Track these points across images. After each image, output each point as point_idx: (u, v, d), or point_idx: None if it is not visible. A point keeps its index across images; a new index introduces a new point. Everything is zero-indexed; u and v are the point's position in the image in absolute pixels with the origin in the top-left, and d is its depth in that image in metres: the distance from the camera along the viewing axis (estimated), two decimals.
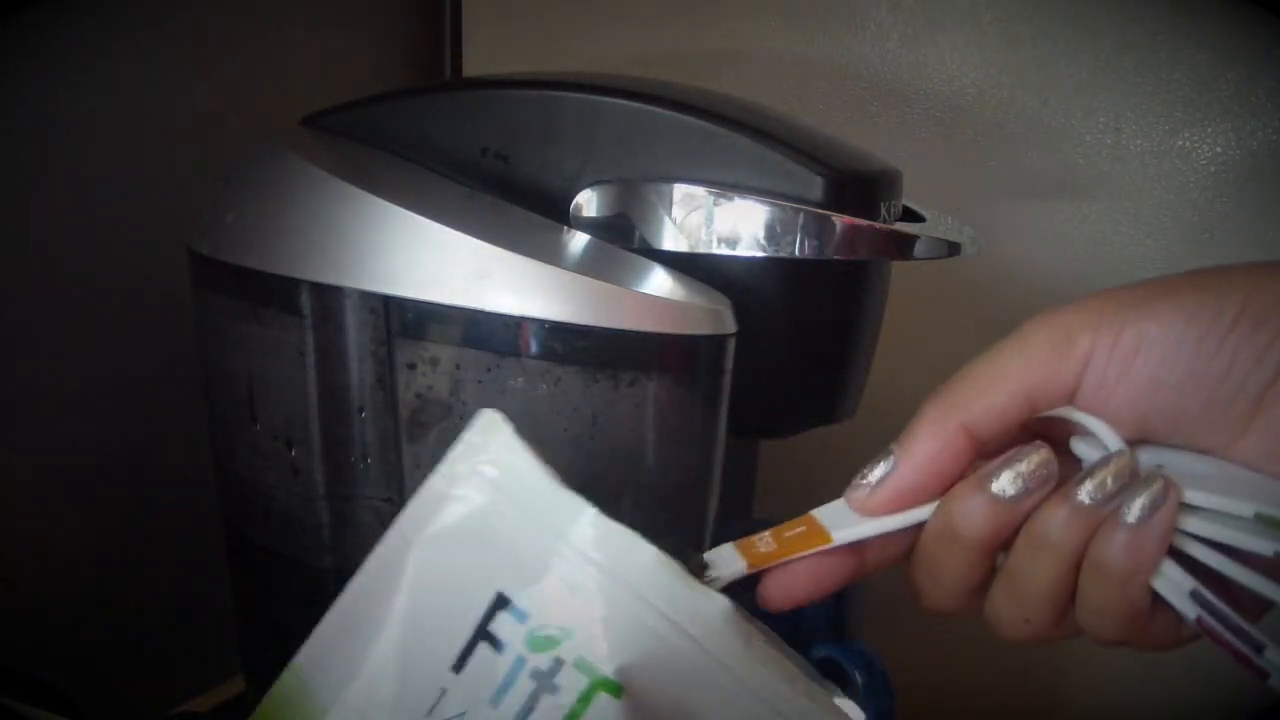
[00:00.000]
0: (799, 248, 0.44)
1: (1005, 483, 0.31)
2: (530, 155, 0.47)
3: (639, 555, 0.30)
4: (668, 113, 0.45)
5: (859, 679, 0.52)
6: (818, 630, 0.54)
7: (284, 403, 0.46)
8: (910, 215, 0.50)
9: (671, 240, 0.45)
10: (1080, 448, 0.32)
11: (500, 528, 0.32)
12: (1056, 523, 0.30)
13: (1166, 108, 0.65)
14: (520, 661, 0.30)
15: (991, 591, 0.33)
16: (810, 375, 0.50)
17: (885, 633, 0.60)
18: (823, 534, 0.33)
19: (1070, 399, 0.32)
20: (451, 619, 0.31)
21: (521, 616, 0.31)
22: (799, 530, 0.34)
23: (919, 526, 0.33)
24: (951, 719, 0.76)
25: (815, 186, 0.44)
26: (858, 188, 0.45)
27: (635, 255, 0.45)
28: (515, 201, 0.46)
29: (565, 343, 0.42)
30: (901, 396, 0.74)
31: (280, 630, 0.52)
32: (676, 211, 0.45)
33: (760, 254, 0.44)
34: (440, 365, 0.43)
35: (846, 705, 0.33)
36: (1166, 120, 0.65)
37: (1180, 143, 0.65)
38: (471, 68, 0.81)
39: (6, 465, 0.58)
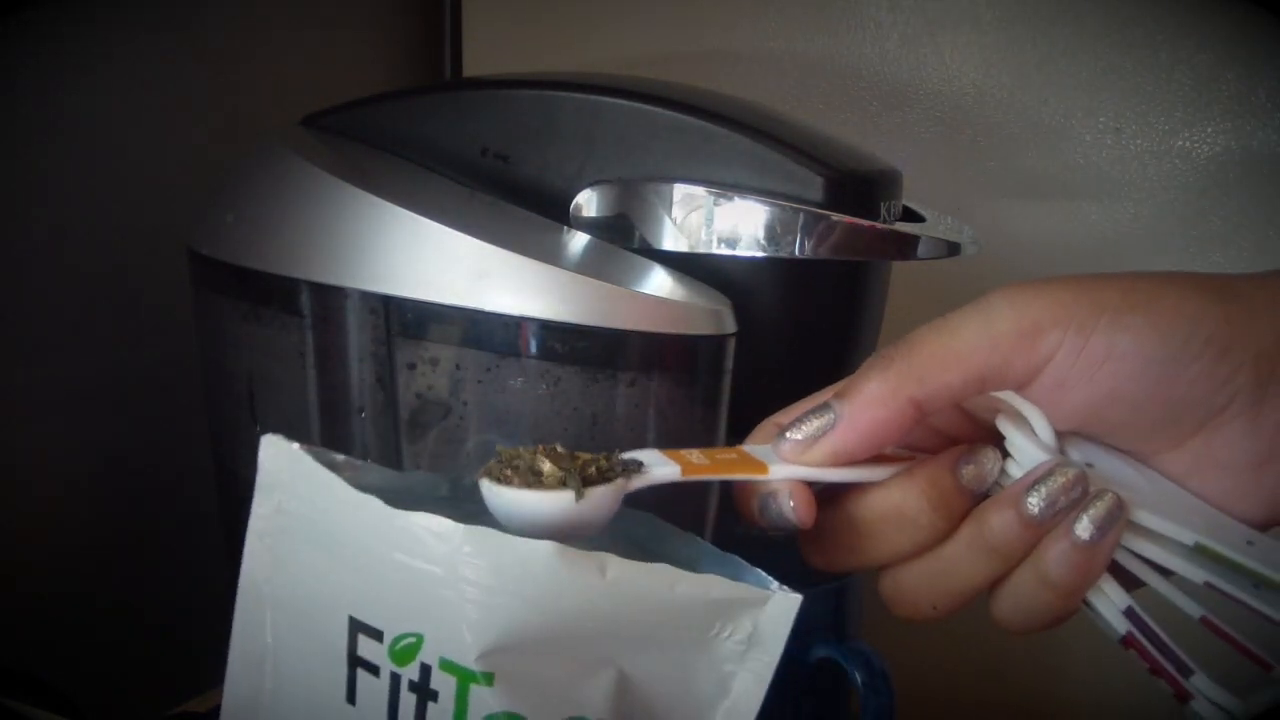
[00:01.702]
0: (799, 248, 0.44)
1: (1035, 504, 0.30)
2: (530, 155, 0.47)
3: (451, 538, 0.28)
4: (668, 113, 0.45)
5: (859, 679, 0.52)
6: (818, 630, 0.54)
7: (284, 403, 0.46)
8: (910, 215, 0.50)
9: (671, 240, 0.45)
10: (1008, 430, 0.32)
11: (327, 554, 0.31)
12: (1005, 531, 0.30)
13: (1166, 108, 0.65)
14: (395, 678, 0.29)
15: (901, 575, 0.32)
16: (810, 375, 0.50)
17: (885, 633, 0.60)
18: (759, 465, 0.32)
19: (1022, 387, 0.31)
20: (325, 657, 0.31)
21: (377, 634, 0.30)
22: (730, 456, 0.33)
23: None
24: (951, 719, 0.76)
25: (815, 186, 0.44)
26: (858, 188, 0.45)
27: (635, 255, 0.45)
28: (515, 201, 0.46)
29: (565, 343, 0.42)
30: None
31: None
32: (676, 211, 0.45)
33: (760, 254, 0.44)
34: (440, 365, 0.43)
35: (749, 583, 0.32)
36: (1166, 120, 0.65)
37: (1180, 143, 0.65)
38: (471, 68, 0.81)
39: (6, 465, 0.58)
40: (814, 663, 0.54)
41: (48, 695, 0.51)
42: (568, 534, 0.29)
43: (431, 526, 0.28)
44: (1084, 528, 0.29)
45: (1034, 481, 0.30)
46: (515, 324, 0.42)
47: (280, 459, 0.31)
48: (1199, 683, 0.30)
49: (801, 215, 0.44)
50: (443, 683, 0.28)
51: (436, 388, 0.43)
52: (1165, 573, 0.31)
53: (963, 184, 0.70)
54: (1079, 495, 0.30)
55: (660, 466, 0.31)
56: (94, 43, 0.59)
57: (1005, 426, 0.32)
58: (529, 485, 0.30)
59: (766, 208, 0.44)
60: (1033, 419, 0.31)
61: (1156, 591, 0.31)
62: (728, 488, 0.41)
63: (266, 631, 0.32)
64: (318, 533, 0.31)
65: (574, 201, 0.46)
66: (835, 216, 0.43)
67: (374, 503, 0.29)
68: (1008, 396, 0.31)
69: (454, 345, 0.43)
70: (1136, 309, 0.30)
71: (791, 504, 0.31)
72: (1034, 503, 0.30)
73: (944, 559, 0.32)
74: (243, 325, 0.47)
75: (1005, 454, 0.32)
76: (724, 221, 0.44)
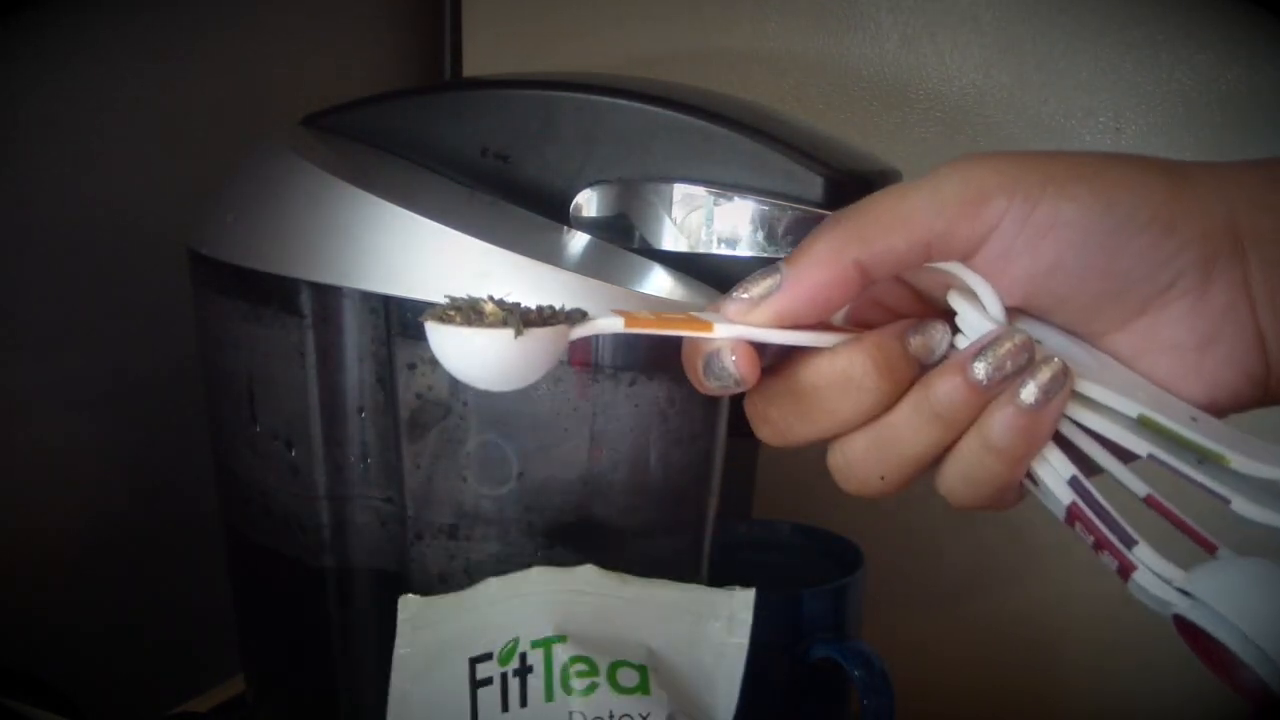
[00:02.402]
0: None
1: (982, 370, 0.30)
2: (530, 155, 0.47)
3: (529, 583, 0.42)
4: (668, 113, 0.45)
5: (859, 679, 0.52)
6: (818, 630, 0.54)
7: (284, 403, 0.46)
8: None
9: (671, 240, 0.45)
10: (959, 304, 0.32)
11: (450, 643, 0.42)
12: (951, 396, 0.30)
13: (1166, 108, 0.65)
14: (503, 676, 0.40)
15: (848, 445, 0.32)
16: None
17: (885, 633, 0.60)
18: (704, 324, 0.32)
19: (968, 257, 0.31)
20: (454, 696, 0.41)
21: (488, 655, 0.41)
22: (678, 317, 0.33)
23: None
24: (950, 718, 0.76)
25: (815, 186, 0.44)
26: (858, 188, 0.45)
27: (635, 255, 0.45)
28: (515, 201, 0.46)
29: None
30: None
31: (280, 630, 0.53)
32: (676, 211, 0.45)
33: (760, 254, 0.44)
34: (440, 365, 0.43)
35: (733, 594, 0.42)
36: (1166, 120, 0.65)
37: (1180, 142, 0.65)
38: (471, 68, 0.81)
39: (6, 465, 0.58)
40: (814, 663, 0.54)
41: (48, 695, 0.51)
42: (508, 375, 0.30)
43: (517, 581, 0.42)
44: (1029, 392, 0.29)
45: (981, 348, 0.30)
46: None
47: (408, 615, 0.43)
48: (1142, 553, 0.30)
49: (801, 215, 0.44)
50: (535, 658, 0.39)
51: (436, 388, 0.43)
52: (1114, 451, 0.31)
53: None
54: (1025, 362, 0.30)
55: (604, 318, 0.31)
56: (94, 42, 0.59)
57: (955, 300, 0.32)
58: (470, 324, 0.30)
59: (766, 208, 0.44)
60: (981, 292, 0.31)
61: (1104, 472, 0.31)
62: (728, 488, 0.41)
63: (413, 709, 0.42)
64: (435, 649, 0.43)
65: (574, 201, 0.46)
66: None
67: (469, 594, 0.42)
68: (956, 269, 0.31)
69: None
70: (1083, 180, 0.30)
71: (734, 358, 0.31)
72: (980, 368, 0.30)
73: (890, 426, 0.32)
74: (243, 325, 0.47)
75: (955, 330, 0.32)
76: (724, 221, 0.44)
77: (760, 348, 0.32)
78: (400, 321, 0.43)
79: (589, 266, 0.43)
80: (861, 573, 0.57)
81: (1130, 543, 0.30)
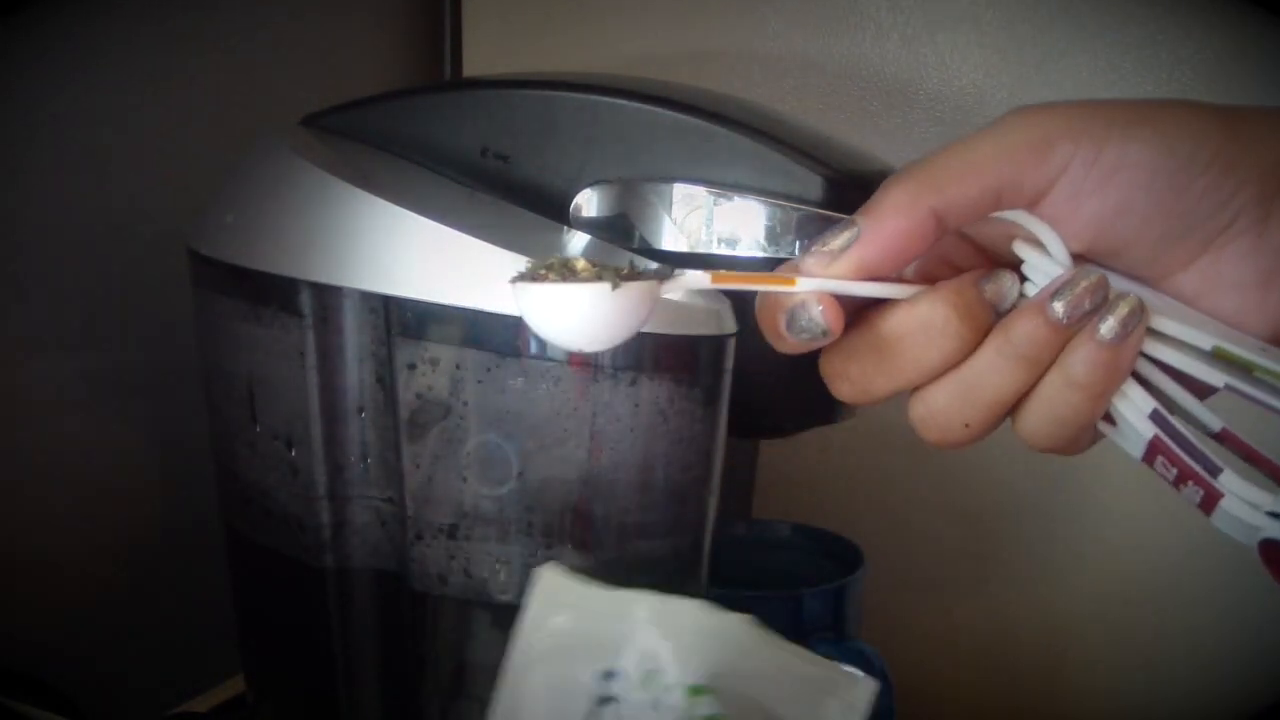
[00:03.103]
0: (799, 248, 0.44)
1: (1060, 308, 0.31)
2: (530, 155, 0.47)
3: (688, 617, 0.39)
4: (668, 113, 0.45)
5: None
6: (818, 630, 0.54)
7: (284, 403, 0.46)
8: None
9: (671, 240, 0.45)
10: (1026, 252, 0.32)
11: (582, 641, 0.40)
12: (1032, 335, 0.31)
13: None
14: (634, 700, 0.39)
15: (932, 394, 0.33)
16: (810, 375, 0.50)
17: (885, 633, 0.60)
18: (786, 279, 0.32)
19: (1036, 203, 0.32)
20: (575, 700, 0.40)
21: (618, 673, 0.39)
22: (761, 274, 0.33)
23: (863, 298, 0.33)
24: (950, 718, 0.76)
25: (815, 186, 0.44)
26: (858, 188, 0.45)
27: (635, 255, 0.45)
28: (515, 201, 0.46)
29: None
30: (902, 397, 0.74)
31: (280, 630, 0.53)
32: (676, 211, 0.45)
33: (760, 254, 0.44)
34: (440, 365, 0.43)
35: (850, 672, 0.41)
36: None
37: None
38: (471, 68, 0.81)
39: (6, 465, 0.58)
40: None
41: (48, 695, 0.51)
42: (602, 331, 0.30)
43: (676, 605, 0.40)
44: (1108, 327, 0.30)
45: (1058, 288, 0.31)
46: (515, 324, 0.42)
47: (552, 585, 0.41)
48: (1229, 480, 0.30)
49: (801, 215, 0.44)
50: (677, 698, 0.38)
51: (436, 388, 0.43)
52: (1189, 385, 0.31)
53: None
54: (1101, 299, 0.31)
55: (692, 274, 0.32)
56: (94, 42, 0.59)
57: (1022, 249, 0.32)
58: (566, 281, 0.30)
59: (766, 208, 0.44)
60: (1047, 239, 0.32)
61: (1178, 406, 0.31)
62: (728, 488, 0.41)
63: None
64: (579, 628, 0.41)
65: (574, 201, 0.46)
66: (835, 216, 0.43)
67: (630, 595, 0.40)
68: (1022, 218, 0.32)
69: (454, 345, 0.43)
70: (1146, 123, 0.31)
71: (820, 308, 0.32)
72: (1059, 306, 0.31)
73: (973, 371, 0.32)
74: (243, 325, 0.47)
75: (1023, 279, 0.33)
76: (724, 221, 0.44)
77: (840, 302, 0.32)
78: (400, 321, 0.43)
79: None
80: (861, 573, 0.57)
81: (1216, 470, 0.30)
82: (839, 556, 0.59)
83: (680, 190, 0.44)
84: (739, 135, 0.44)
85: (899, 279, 0.33)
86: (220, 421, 0.51)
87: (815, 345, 0.33)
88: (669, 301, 0.42)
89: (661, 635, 0.39)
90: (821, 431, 0.53)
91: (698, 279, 0.32)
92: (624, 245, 0.45)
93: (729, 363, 0.44)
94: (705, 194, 0.44)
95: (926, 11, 0.69)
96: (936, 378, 0.33)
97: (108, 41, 0.60)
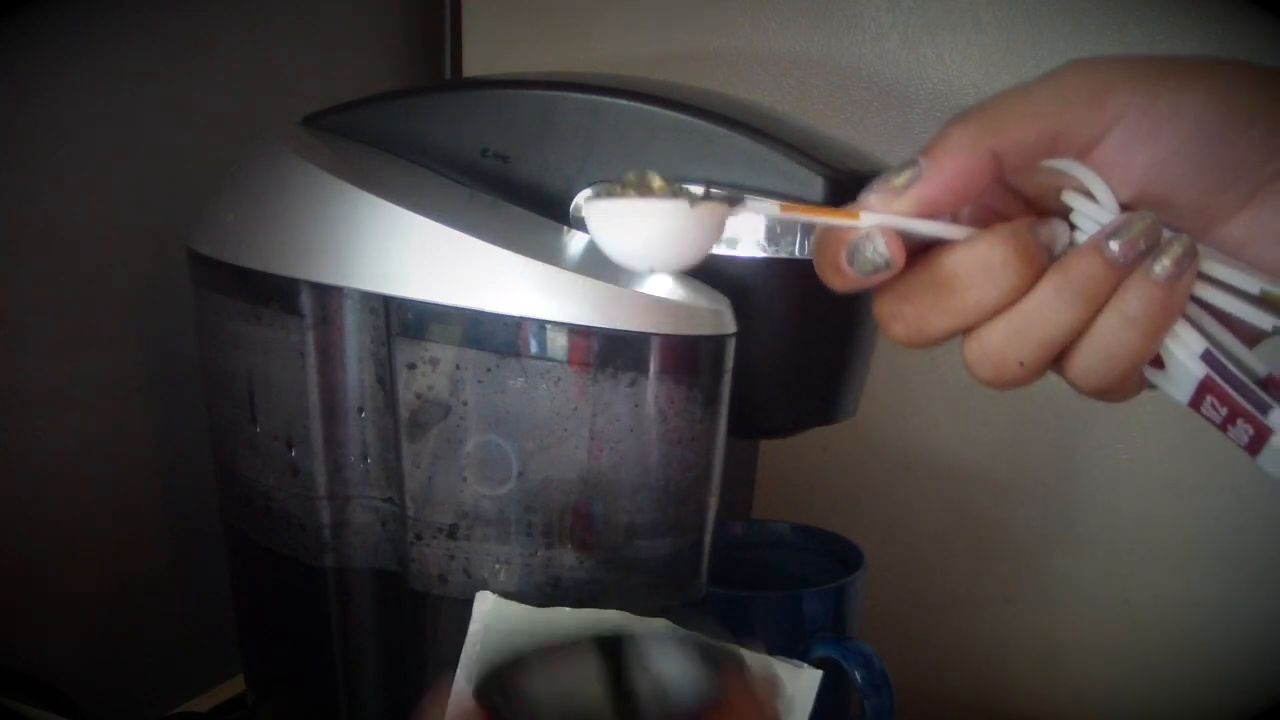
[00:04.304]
0: (799, 248, 0.44)
1: (1117, 247, 0.32)
2: (530, 155, 0.47)
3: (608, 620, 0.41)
4: (668, 113, 0.45)
5: (859, 679, 0.52)
6: (818, 630, 0.54)
7: (284, 403, 0.46)
8: None
9: None
10: (1076, 201, 0.34)
11: None
12: (1090, 273, 0.32)
13: None
14: None
15: (986, 334, 0.34)
16: (810, 375, 0.50)
17: (885, 633, 0.60)
18: (851, 214, 0.33)
19: (1090, 149, 0.33)
20: None
21: None
22: (826, 209, 0.34)
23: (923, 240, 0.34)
24: (949, 718, 0.76)
25: (815, 186, 0.44)
26: (858, 188, 0.45)
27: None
28: (515, 201, 0.46)
29: (565, 343, 0.42)
30: (902, 397, 0.74)
31: (280, 630, 0.53)
32: None
33: (760, 254, 0.44)
34: (440, 365, 0.43)
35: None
36: None
37: None
38: (471, 68, 0.81)
39: (6, 465, 0.58)
40: (814, 662, 0.54)
41: (48, 695, 0.51)
42: (675, 250, 0.31)
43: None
44: (1163, 266, 0.31)
45: (1114, 229, 0.32)
46: (515, 324, 0.42)
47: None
48: (1278, 418, 0.31)
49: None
50: None
51: (436, 388, 0.43)
52: (1235, 328, 0.33)
53: None
54: (1155, 240, 0.32)
55: (763, 201, 0.34)
56: (94, 43, 0.59)
57: (1071, 198, 0.34)
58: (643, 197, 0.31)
59: (766, 208, 0.44)
60: (1096, 188, 0.33)
61: (1227, 351, 0.33)
62: (728, 488, 0.41)
63: None
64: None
65: (574, 201, 0.46)
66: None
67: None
68: (1072, 167, 0.33)
69: (454, 345, 0.43)
70: (1200, 76, 0.32)
71: (884, 241, 0.33)
72: (1115, 246, 0.32)
73: (1029, 310, 0.33)
74: (243, 325, 0.47)
75: (1072, 228, 0.34)
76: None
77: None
78: (400, 321, 0.43)
79: (589, 266, 0.43)
80: (861, 573, 0.57)
81: (1266, 408, 0.31)
82: (839, 556, 0.59)
83: None
84: (739, 135, 0.44)
85: (955, 222, 0.34)
86: (220, 421, 0.51)
87: (876, 279, 0.34)
88: (669, 301, 0.42)
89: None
90: (821, 431, 0.53)
91: (767, 207, 0.33)
92: None
93: (729, 363, 0.44)
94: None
95: (926, 11, 0.69)
96: (991, 317, 0.34)
97: (108, 41, 0.60)
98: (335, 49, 0.75)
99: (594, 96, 0.46)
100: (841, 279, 0.34)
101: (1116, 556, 0.72)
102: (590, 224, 0.32)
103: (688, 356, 0.43)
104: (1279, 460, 0.31)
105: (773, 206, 0.33)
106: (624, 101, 0.45)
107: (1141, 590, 0.71)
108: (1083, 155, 0.33)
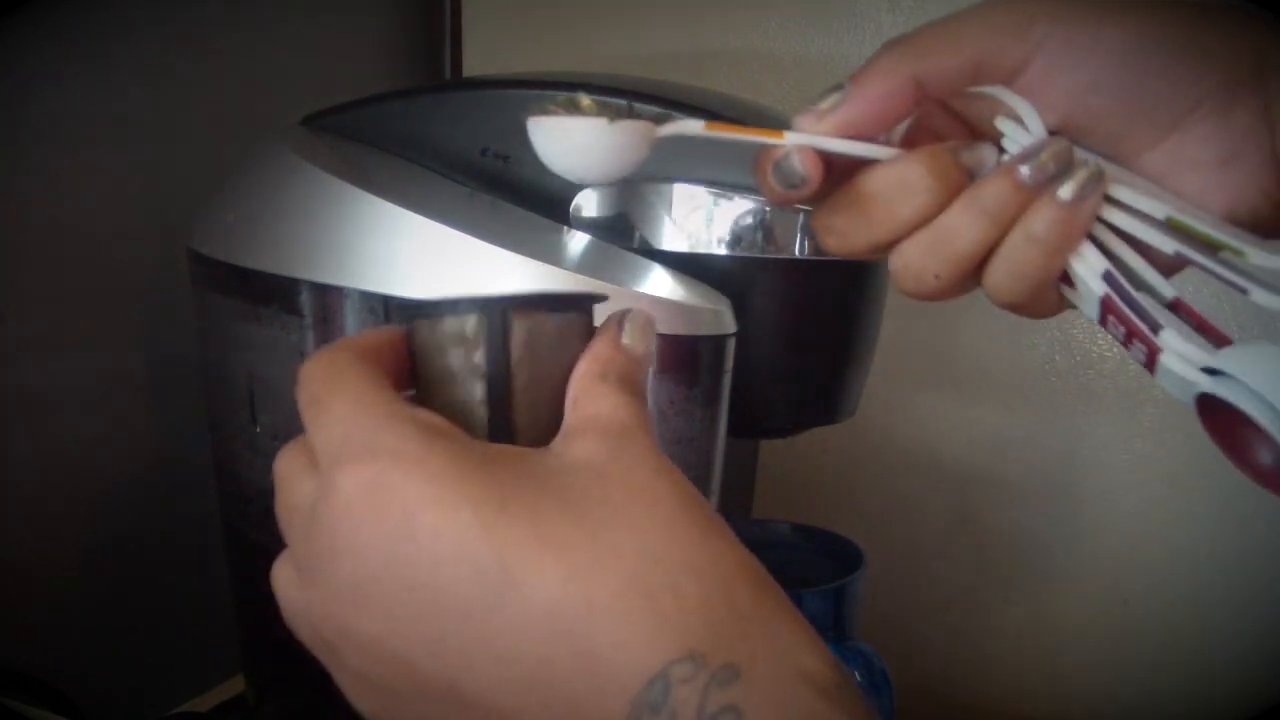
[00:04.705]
0: (799, 248, 0.44)
1: (1026, 171, 0.33)
2: (530, 155, 0.46)
3: None
4: (668, 112, 0.45)
5: (859, 679, 0.52)
6: (818, 630, 0.54)
7: (284, 403, 0.46)
8: None
9: (671, 240, 0.45)
10: (1005, 125, 0.35)
11: None
12: (998, 194, 0.33)
13: None
14: None
15: (906, 248, 0.35)
16: (810, 375, 0.50)
17: (885, 633, 0.60)
18: (776, 132, 0.35)
19: (1014, 77, 0.34)
20: None
21: None
22: (753, 128, 0.36)
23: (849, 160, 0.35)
24: (949, 718, 0.76)
25: None
26: None
27: (635, 255, 0.45)
28: (515, 201, 0.46)
29: None
30: (902, 397, 0.74)
31: (280, 630, 0.52)
32: (676, 211, 0.45)
33: (760, 254, 0.44)
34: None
35: None
36: None
37: None
38: (471, 68, 0.81)
39: (6, 465, 0.58)
40: None
41: (48, 695, 0.51)
42: (599, 164, 0.34)
43: None
44: (1067, 190, 0.33)
45: (1027, 153, 0.33)
46: None
47: None
48: (1168, 337, 0.32)
49: (801, 215, 0.44)
50: None
51: None
52: (1141, 250, 0.34)
53: None
54: (1065, 165, 0.33)
55: (688, 120, 0.35)
56: (94, 42, 0.59)
57: (1001, 123, 0.35)
58: (570, 115, 0.33)
59: (766, 208, 0.44)
60: (1023, 111, 0.34)
61: (1136, 274, 0.34)
62: (728, 488, 0.41)
63: None
64: None
65: (574, 201, 0.46)
66: None
67: None
68: (1000, 92, 0.34)
69: None
70: (1119, 9, 0.33)
71: (799, 159, 0.35)
72: (1025, 170, 0.33)
73: (944, 226, 0.34)
74: (243, 325, 0.47)
75: (1003, 152, 0.35)
76: (724, 221, 0.44)
77: (828, 161, 0.35)
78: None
79: (589, 266, 0.43)
80: (861, 573, 0.57)
81: (1157, 328, 0.32)
82: (839, 556, 0.59)
83: (680, 190, 0.44)
84: None
85: (886, 144, 0.35)
86: (220, 421, 0.51)
87: (796, 196, 0.35)
88: (669, 301, 0.42)
89: None
90: (821, 431, 0.53)
91: (691, 125, 0.34)
92: (624, 245, 0.45)
93: (729, 363, 0.44)
94: (705, 194, 0.44)
95: (926, 11, 0.69)
96: (910, 232, 0.35)
97: (108, 41, 0.60)
98: (335, 49, 0.75)
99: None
100: (771, 193, 0.36)
101: (1116, 556, 0.72)
102: (531, 138, 0.34)
103: (688, 356, 0.43)
104: (1171, 378, 0.32)
105: (697, 125, 0.35)
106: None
107: (1141, 590, 0.71)
108: (1006, 83, 0.34)
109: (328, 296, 0.44)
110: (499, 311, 0.31)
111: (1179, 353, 0.32)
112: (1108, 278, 0.33)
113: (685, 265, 0.44)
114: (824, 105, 0.35)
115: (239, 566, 0.53)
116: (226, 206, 0.49)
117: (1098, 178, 0.33)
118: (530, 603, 0.26)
